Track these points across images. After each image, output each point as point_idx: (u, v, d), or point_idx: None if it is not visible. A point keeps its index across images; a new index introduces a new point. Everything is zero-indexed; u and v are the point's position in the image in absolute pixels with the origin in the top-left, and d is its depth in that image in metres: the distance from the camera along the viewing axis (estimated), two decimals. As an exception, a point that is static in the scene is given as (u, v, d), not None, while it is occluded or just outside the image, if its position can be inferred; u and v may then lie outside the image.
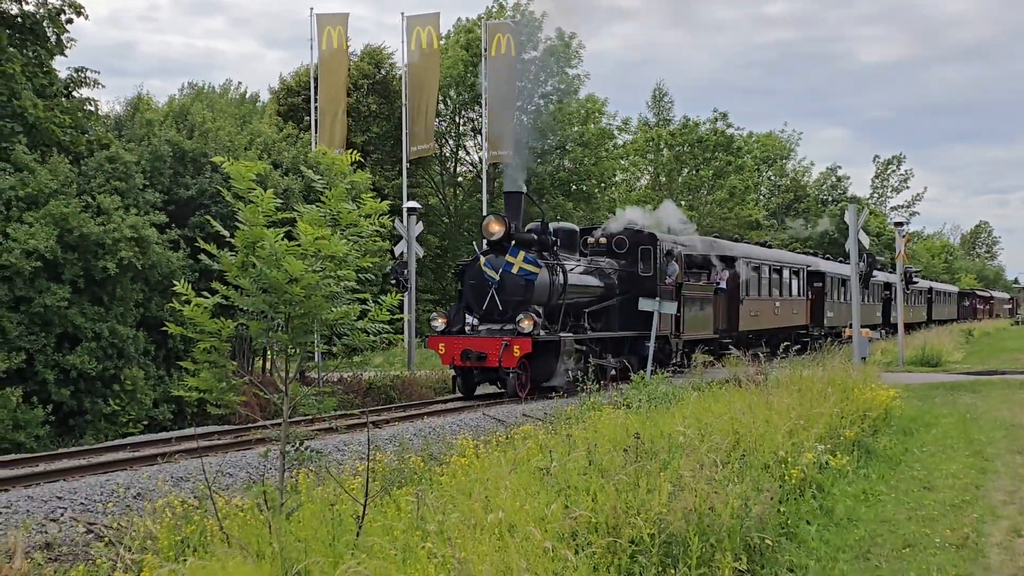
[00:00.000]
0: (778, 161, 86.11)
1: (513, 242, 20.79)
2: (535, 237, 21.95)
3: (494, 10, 49.43)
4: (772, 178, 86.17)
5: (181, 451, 12.81)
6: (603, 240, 26.41)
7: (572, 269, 22.94)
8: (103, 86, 29.51)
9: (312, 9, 33.99)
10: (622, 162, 59.59)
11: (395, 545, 6.57)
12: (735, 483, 9.19)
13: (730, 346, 29.39)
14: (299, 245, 7.96)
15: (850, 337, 30.13)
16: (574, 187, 50.51)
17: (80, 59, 21.83)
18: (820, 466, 12.02)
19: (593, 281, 24.33)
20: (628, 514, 7.66)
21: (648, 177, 65.66)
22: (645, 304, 24.09)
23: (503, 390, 20.72)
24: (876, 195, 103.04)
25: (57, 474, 11.56)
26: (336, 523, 7.59)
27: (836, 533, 9.99)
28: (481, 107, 39.26)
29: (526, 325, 19.99)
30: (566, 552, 6.23)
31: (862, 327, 30.18)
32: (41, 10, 22.35)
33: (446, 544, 6.16)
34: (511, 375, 20.37)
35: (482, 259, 21.04)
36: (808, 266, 41.32)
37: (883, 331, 51.72)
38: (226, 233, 8.63)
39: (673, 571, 7.44)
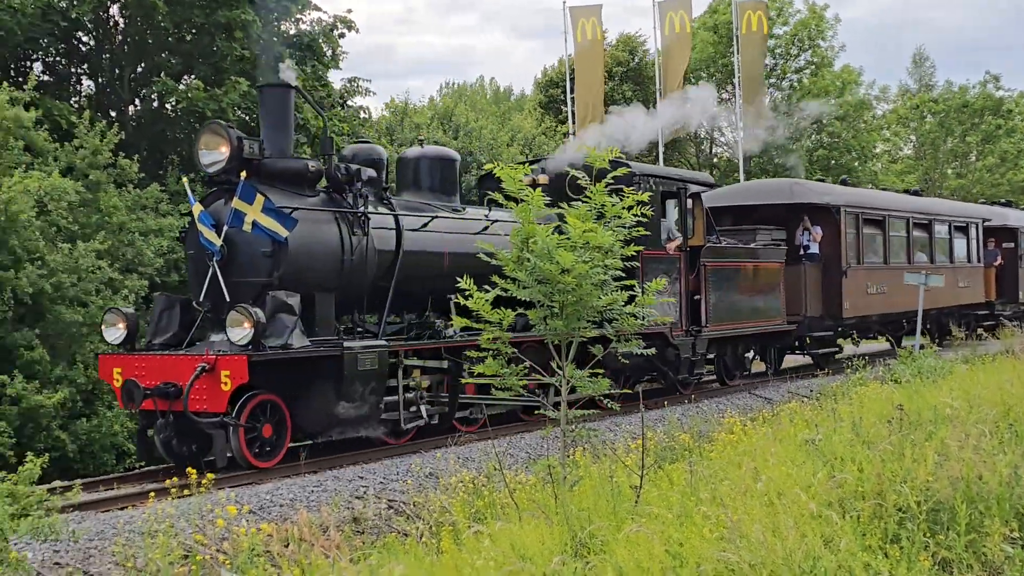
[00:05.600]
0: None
1: (244, 175, 11.45)
2: (309, 167, 12.60)
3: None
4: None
5: (468, 432, 13.62)
6: (542, 180, 15.53)
7: (426, 225, 13.65)
8: (374, 93, 31.28)
9: (565, 2, 34.55)
10: (883, 132, 57.71)
11: (671, 511, 7.03)
12: (1004, 453, 9.15)
13: (828, 339, 21.60)
14: (568, 238, 8.59)
15: None
16: (833, 163, 49.38)
17: (343, 65, 23.31)
18: (1099, 436, 11.69)
19: (467, 244, 13.07)
20: (893, 482, 7.77)
21: (911, 147, 63.21)
22: (910, 278, 22.30)
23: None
24: None
25: (357, 456, 12.47)
26: (615, 494, 7.93)
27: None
28: (734, 87, 39.00)
29: (237, 332, 10.99)
30: (832, 515, 6.54)
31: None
32: (316, 28, 24.07)
33: (720, 507, 6.61)
34: (221, 428, 11.05)
35: (196, 209, 11.88)
36: (986, 220, 28.89)
37: None
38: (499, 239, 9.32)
39: (942, 536, 7.57)
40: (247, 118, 22.50)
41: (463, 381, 13.28)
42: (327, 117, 22.81)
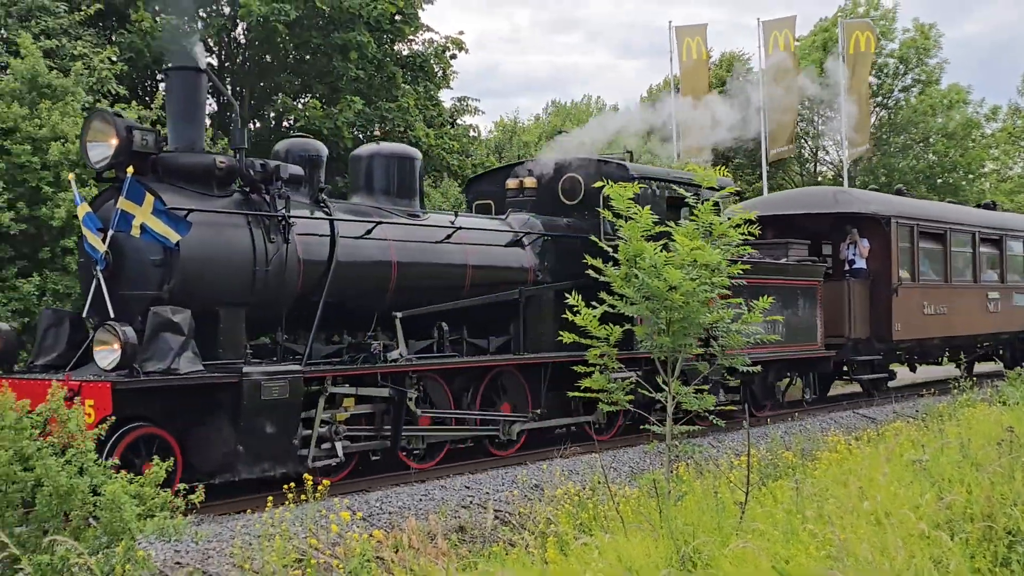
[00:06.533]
0: None
1: (130, 171, 9.57)
2: (217, 163, 10.25)
3: (847, 7, 48.23)
4: None
5: (574, 446, 13.58)
6: (530, 183, 14.06)
7: (370, 232, 11.45)
8: (483, 112, 31.54)
9: (671, 22, 34.45)
10: (992, 151, 56.27)
11: (777, 527, 6.96)
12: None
13: (875, 363, 18.85)
14: (676, 255, 8.58)
15: None
16: (939, 180, 48.29)
17: (453, 84, 23.75)
18: None
19: (430, 257, 12.17)
20: (1003, 504, 7.60)
21: (1022, 166, 61.56)
22: (1020, 299, 21.54)
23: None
24: None
25: (464, 467, 12.38)
26: (719, 509, 7.89)
27: None
28: (839, 103, 38.42)
29: (104, 354, 9.02)
30: (942, 535, 6.41)
31: None
32: (428, 49, 24.39)
33: (826, 526, 6.52)
34: None
35: (81, 211, 10.02)
36: None
37: None
38: (608, 249, 9.39)
39: (1053, 561, 7.39)
40: (361, 136, 22.88)
41: (420, 412, 11.59)
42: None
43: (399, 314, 11.33)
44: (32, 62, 15.08)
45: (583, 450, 12.85)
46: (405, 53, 24.38)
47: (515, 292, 12.86)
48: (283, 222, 10.39)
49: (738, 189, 15.02)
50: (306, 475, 8.77)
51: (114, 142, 9.65)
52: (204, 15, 21.99)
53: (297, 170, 10.95)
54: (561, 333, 9.44)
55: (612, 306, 8.83)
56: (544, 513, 9.64)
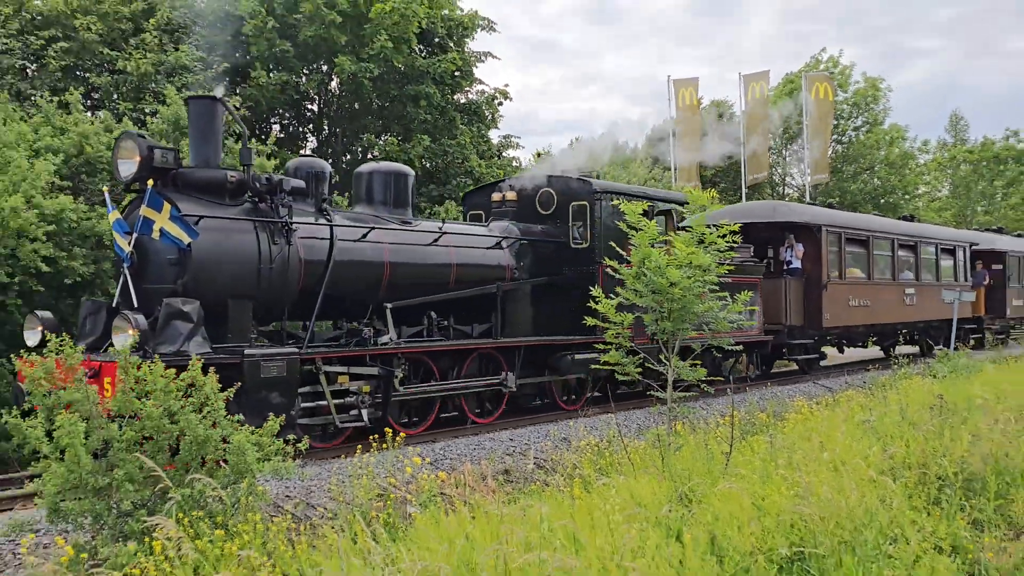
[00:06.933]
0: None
1: (150, 183, 9.00)
2: (228, 177, 9.69)
3: (811, 63, 47.80)
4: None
5: (595, 409, 13.46)
6: (511, 196, 13.33)
7: (365, 236, 10.80)
8: (523, 147, 31.53)
9: (669, 76, 34.28)
10: (924, 177, 55.54)
11: (755, 472, 6.93)
12: (1028, 435, 8.77)
13: (808, 346, 18.29)
14: (675, 258, 8.55)
15: None
16: (882, 200, 47.74)
17: (500, 125, 23.79)
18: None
19: (419, 257, 11.40)
20: (934, 456, 7.55)
21: (947, 189, 60.65)
22: (947, 295, 21.07)
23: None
24: None
25: (508, 423, 12.23)
26: (709, 458, 7.88)
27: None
28: (803, 140, 38.06)
29: (120, 338, 8.48)
30: (887, 480, 6.36)
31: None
32: (480, 98, 24.40)
33: (794, 471, 6.48)
34: None
35: (112, 217, 9.62)
36: (974, 244, 24.98)
37: None
38: (623, 253, 9.36)
39: (975, 501, 7.30)
40: (430, 166, 22.91)
41: (401, 389, 10.78)
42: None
43: (389, 305, 10.69)
44: (175, 108, 15.23)
45: (600, 410, 12.78)
46: (463, 101, 24.36)
47: (494, 287, 12.03)
48: (286, 227, 9.78)
49: (687, 199, 14.06)
50: (387, 428, 8.80)
51: (138, 159, 9.16)
52: (307, 71, 22.15)
53: (299, 183, 10.18)
54: (585, 318, 9.40)
55: (626, 298, 8.78)
56: (571, 459, 9.62)
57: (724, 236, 9.04)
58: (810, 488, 5.97)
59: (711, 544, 5.45)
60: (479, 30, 24.45)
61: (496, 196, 13.37)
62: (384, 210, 11.51)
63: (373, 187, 11.65)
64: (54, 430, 5.95)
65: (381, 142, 22.58)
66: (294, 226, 9.85)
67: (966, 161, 58.46)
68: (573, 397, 13.27)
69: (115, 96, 19.17)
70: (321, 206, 10.56)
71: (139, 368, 6.38)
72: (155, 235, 8.94)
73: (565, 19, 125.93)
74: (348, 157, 23.34)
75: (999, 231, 30.97)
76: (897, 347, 22.12)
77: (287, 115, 23.26)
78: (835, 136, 44.92)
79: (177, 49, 19.32)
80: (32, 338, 9.27)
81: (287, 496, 7.93)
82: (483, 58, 24.62)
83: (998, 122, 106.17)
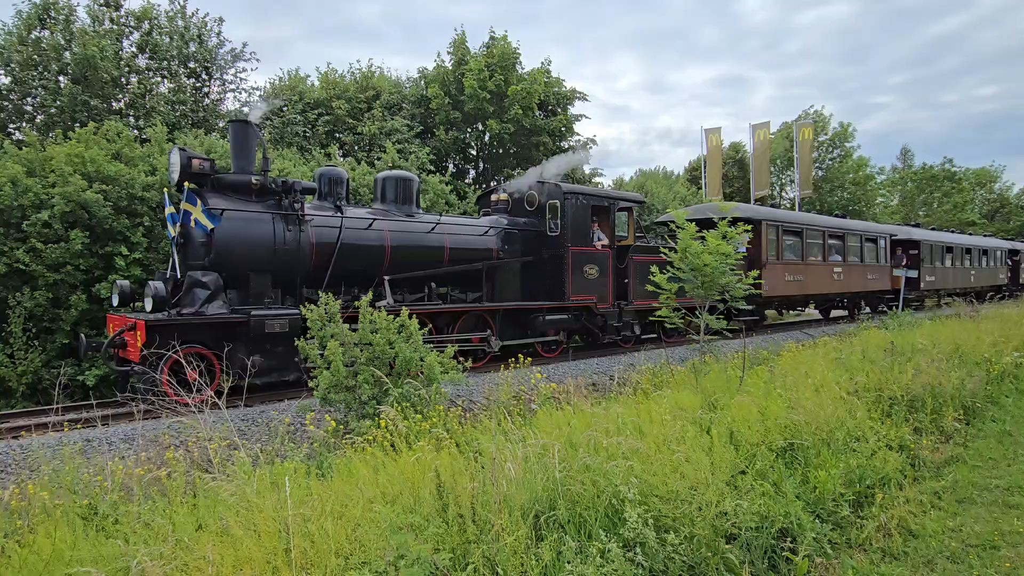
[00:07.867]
0: (987, 184, 69.28)
1: (187, 185, 8.02)
2: (252, 181, 8.30)
3: (801, 115, 44.90)
4: (983, 194, 69.43)
5: (650, 345, 12.88)
6: (503, 198, 11.63)
7: (371, 225, 9.13)
8: (604, 174, 30.95)
9: (702, 126, 33.12)
10: (881, 192, 51.51)
11: (760, 391, 6.64)
12: (955, 371, 8.12)
13: (752, 311, 15.72)
14: (707, 247, 8.19)
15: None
16: (851, 208, 44.58)
17: (592, 162, 23.20)
18: (1015, 364, 10.10)
19: (417, 241, 9.59)
20: (887, 383, 7.09)
21: (898, 200, 55.96)
22: (897, 271, 19.49)
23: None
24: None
25: (593, 352, 11.59)
26: (728, 380, 7.59)
27: (1025, 402, 8.44)
28: (794, 167, 35.83)
29: (147, 302, 7.78)
30: (854, 399, 5.98)
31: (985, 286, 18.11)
32: (577, 143, 23.95)
33: (788, 391, 6.17)
34: (134, 374, 7.37)
35: (168, 211, 8.44)
36: (893, 235, 22.27)
37: (1010, 291, 28.58)
38: (673, 244, 9.01)
39: (916, 415, 6.82)
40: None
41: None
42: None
43: (387, 277, 9.23)
44: (391, 156, 15.55)
45: (654, 347, 12.36)
46: (566, 146, 23.99)
47: (480, 264, 10.30)
48: (297, 217, 8.38)
49: (643, 199, 12.43)
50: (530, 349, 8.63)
51: (179, 167, 8.09)
52: (469, 130, 22.25)
53: (311, 185, 8.64)
54: (648, 286, 9.04)
55: (674, 274, 8.43)
56: (636, 378, 9.45)
57: (741, 233, 8.58)
58: (798, 402, 5.68)
59: (730, 437, 5.25)
60: (576, 99, 24.00)
61: (494, 197, 11.89)
62: (393, 206, 10.01)
63: (386, 189, 10.09)
64: (323, 352, 6.18)
65: (515, 174, 22.51)
66: (309, 217, 8.57)
67: (911, 180, 53.97)
68: (553, 347, 11.30)
69: (356, 148, 19.80)
70: (337, 204, 9.21)
71: (372, 315, 6.51)
72: (192, 224, 8.03)
73: (633, 91, 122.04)
74: (495, 183, 23.35)
75: (916, 226, 27.89)
76: (832, 311, 20.11)
77: (457, 158, 23.49)
78: (817, 164, 42.19)
79: (393, 118, 19.74)
80: (115, 300, 8.34)
81: (457, 395, 7.97)
82: (579, 118, 24.17)
83: (936, 152, 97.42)
